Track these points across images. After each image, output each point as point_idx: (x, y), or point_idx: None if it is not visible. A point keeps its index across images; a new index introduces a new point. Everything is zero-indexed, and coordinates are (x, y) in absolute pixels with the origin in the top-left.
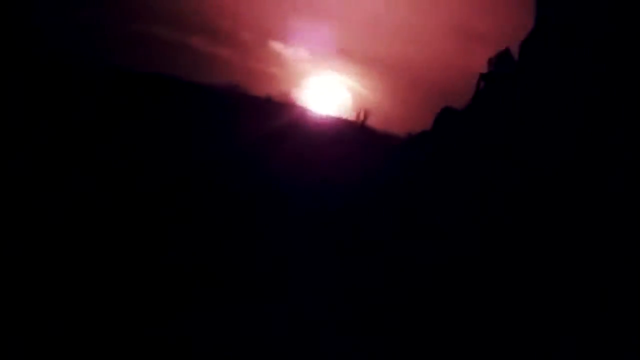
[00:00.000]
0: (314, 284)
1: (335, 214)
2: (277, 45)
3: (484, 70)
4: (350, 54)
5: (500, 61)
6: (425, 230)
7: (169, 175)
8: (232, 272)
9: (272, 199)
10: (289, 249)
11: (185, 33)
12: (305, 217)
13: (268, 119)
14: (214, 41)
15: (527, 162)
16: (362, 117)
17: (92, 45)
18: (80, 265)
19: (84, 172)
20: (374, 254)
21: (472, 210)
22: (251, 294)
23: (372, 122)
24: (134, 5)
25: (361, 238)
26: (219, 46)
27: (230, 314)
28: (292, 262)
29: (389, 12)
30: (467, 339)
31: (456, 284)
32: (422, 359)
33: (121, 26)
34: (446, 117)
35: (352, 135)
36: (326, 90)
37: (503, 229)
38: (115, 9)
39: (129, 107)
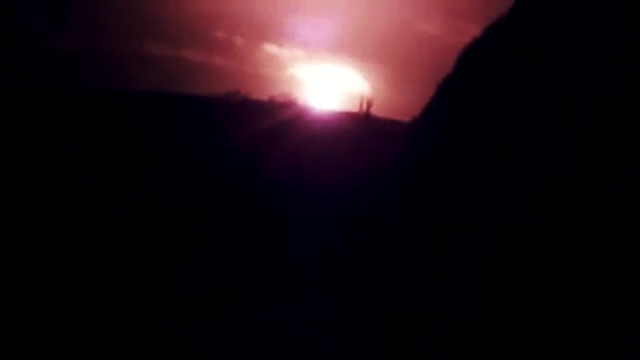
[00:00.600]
0: (324, 285)
1: (344, 211)
2: (272, 47)
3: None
4: (345, 46)
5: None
6: (438, 226)
7: (179, 184)
8: (236, 274)
9: (279, 199)
10: (297, 250)
11: (178, 47)
12: (314, 215)
13: (273, 119)
14: (207, 51)
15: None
16: (365, 107)
17: (84, 69)
18: (80, 271)
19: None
20: (385, 252)
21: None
22: (257, 296)
23: (376, 110)
24: (122, 26)
25: (372, 236)
26: (214, 55)
27: (237, 317)
28: (301, 264)
29: (376, 3)
30: (474, 339)
31: (467, 283)
32: None
33: (112, 47)
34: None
35: (358, 126)
36: (326, 85)
37: (506, 226)
38: (103, 32)
39: (130, 128)
